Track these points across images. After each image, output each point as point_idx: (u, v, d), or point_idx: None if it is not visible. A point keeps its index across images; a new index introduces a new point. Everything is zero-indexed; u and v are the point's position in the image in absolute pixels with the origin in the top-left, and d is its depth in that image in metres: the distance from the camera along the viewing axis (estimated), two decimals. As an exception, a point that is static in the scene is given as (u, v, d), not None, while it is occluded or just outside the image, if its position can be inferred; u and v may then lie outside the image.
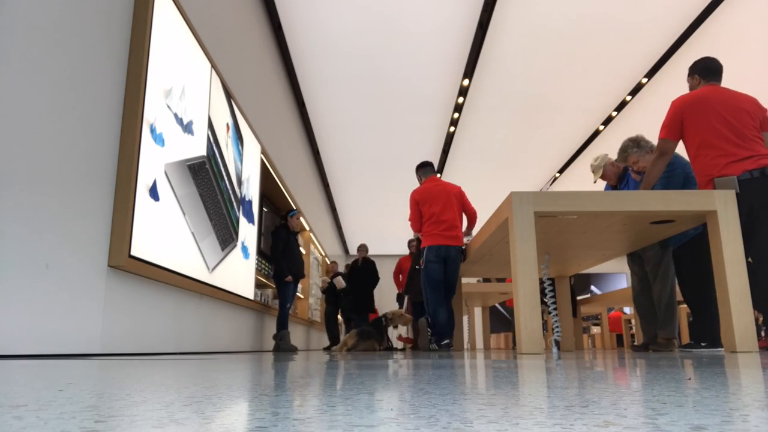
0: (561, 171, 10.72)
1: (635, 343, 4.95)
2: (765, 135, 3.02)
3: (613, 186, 4.26)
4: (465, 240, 4.87)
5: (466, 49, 6.60)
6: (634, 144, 3.73)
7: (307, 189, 9.11)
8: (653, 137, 3.82)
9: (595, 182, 4.33)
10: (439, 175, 6.22)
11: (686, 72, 3.42)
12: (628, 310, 11.09)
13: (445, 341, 4.58)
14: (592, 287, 15.52)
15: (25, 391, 0.69)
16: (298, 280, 6.04)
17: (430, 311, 4.72)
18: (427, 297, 4.73)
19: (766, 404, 0.53)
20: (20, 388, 0.75)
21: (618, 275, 15.87)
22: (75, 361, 1.82)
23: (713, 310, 3.36)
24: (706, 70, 3.23)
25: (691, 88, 3.29)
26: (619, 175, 4.19)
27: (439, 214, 4.74)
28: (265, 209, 6.69)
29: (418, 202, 4.85)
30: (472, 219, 4.94)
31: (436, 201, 4.79)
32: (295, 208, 7.42)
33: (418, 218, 4.88)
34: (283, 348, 5.62)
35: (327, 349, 7.38)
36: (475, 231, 5.42)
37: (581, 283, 15.20)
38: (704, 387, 0.73)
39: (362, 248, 8.43)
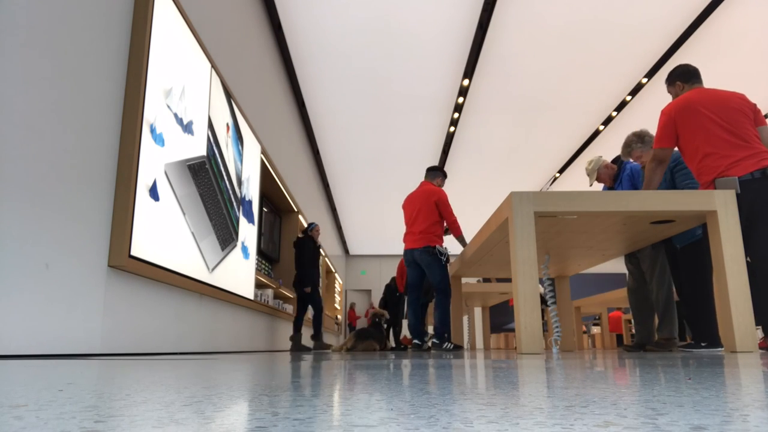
0: (561, 171, 10.72)
1: (624, 343, 4.95)
2: (760, 130, 2.99)
3: (609, 187, 4.27)
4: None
5: (466, 49, 6.60)
6: (638, 139, 3.73)
7: (307, 189, 9.10)
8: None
9: (591, 185, 4.33)
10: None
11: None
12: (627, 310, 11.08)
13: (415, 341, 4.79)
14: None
15: (25, 391, 0.69)
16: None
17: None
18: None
19: (766, 404, 0.53)
20: (20, 388, 0.75)
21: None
22: (75, 361, 1.82)
23: (712, 310, 3.35)
24: (686, 74, 3.21)
25: (675, 96, 3.27)
26: (613, 175, 4.20)
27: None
28: (265, 209, 6.69)
29: None
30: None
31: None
32: (312, 221, 8.01)
33: None
34: (316, 347, 6.12)
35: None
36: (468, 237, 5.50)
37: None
38: (704, 387, 0.73)
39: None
